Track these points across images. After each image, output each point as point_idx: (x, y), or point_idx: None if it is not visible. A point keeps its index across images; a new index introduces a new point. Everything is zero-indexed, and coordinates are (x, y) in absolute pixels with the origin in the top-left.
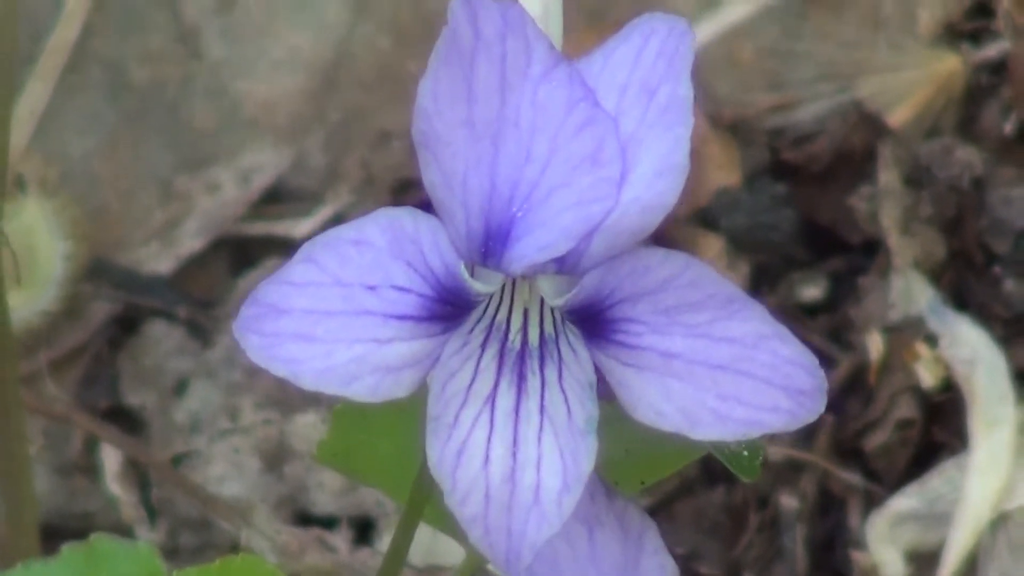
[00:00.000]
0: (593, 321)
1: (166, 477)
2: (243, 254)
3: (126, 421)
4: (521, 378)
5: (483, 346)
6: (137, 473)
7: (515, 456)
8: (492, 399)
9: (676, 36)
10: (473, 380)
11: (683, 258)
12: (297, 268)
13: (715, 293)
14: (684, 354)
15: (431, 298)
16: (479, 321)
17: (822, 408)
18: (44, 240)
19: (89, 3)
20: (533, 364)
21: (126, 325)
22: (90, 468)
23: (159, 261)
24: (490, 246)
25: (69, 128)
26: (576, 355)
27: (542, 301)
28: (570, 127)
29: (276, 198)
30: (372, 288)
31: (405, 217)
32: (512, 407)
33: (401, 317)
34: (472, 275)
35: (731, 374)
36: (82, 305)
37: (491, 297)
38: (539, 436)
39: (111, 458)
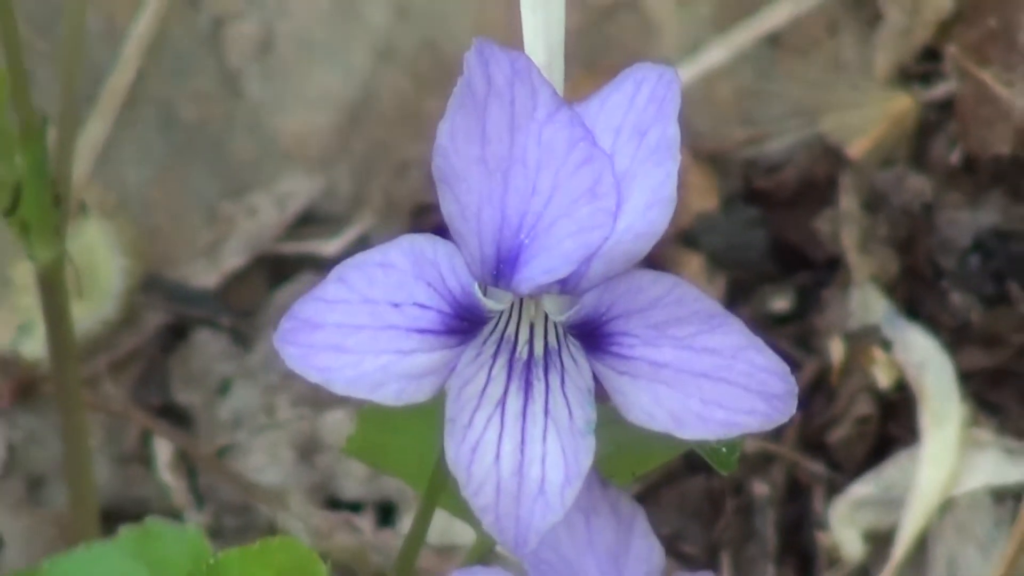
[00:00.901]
0: (592, 335)
1: (211, 467)
2: (279, 270)
3: (176, 417)
4: (528, 384)
5: (494, 356)
6: (186, 463)
7: (523, 453)
8: (502, 403)
9: (664, 83)
10: (485, 386)
11: (671, 279)
12: (330, 287)
13: (698, 309)
14: (672, 364)
15: (449, 314)
16: (491, 334)
17: (793, 410)
18: (103, 258)
19: (143, 50)
20: (538, 372)
21: (176, 333)
22: (144, 459)
23: (205, 276)
24: (501, 269)
25: (125, 159)
26: (576, 364)
27: (546, 317)
28: (571, 164)
29: (308, 221)
30: (396, 305)
31: (425, 243)
32: (520, 410)
33: (422, 331)
34: (485, 294)
35: (713, 381)
36: (137, 315)
37: (501, 313)
38: (544, 436)
39: (163, 450)
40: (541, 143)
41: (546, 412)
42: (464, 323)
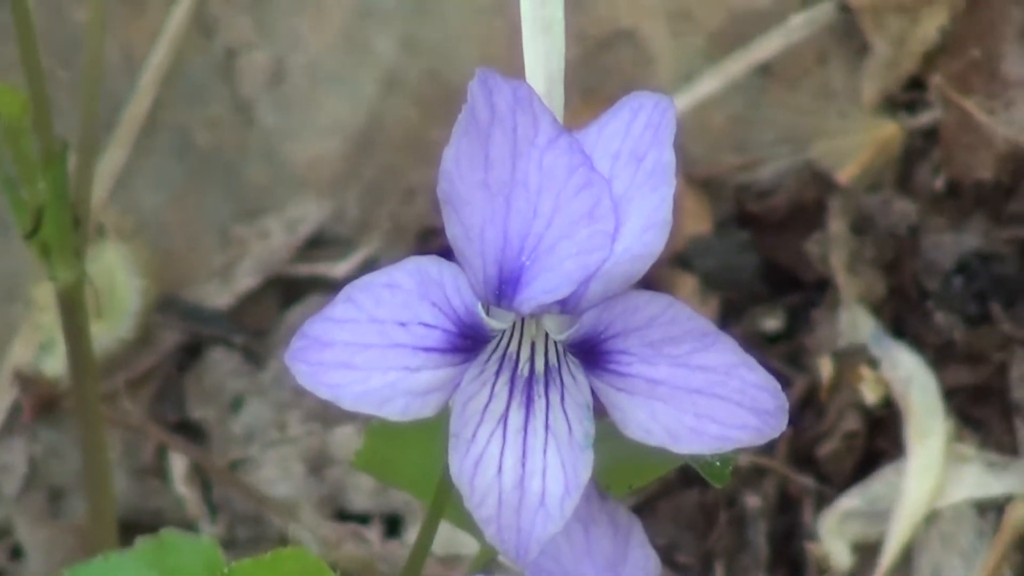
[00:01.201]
0: (590, 353)
1: (225, 480)
2: (290, 291)
3: (191, 432)
4: (529, 400)
5: (497, 374)
6: (200, 476)
7: (524, 466)
8: (504, 418)
9: (660, 110)
10: (488, 402)
11: (666, 299)
12: (339, 307)
13: (692, 328)
14: (667, 381)
15: (453, 333)
16: (493, 352)
17: (784, 426)
18: (121, 279)
19: (159, 79)
20: (539, 389)
21: (191, 351)
22: (160, 472)
23: (219, 297)
24: (503, 290)
25: (142, 184)
26: (576, 381)
27: (547, 336)
28: (571, 188)
29: (318, 244)
30: (403, 324)
31: (430, 264)
32: (521, 425)
33: (428, 349)
34: (488, 314)
35: (707, 397)
36: (153, 334)
37: (504, 332)
38: (544, 450)
39: (178, 463)
40: (542, 168)
41: (547, 427)
42: (468, 341)
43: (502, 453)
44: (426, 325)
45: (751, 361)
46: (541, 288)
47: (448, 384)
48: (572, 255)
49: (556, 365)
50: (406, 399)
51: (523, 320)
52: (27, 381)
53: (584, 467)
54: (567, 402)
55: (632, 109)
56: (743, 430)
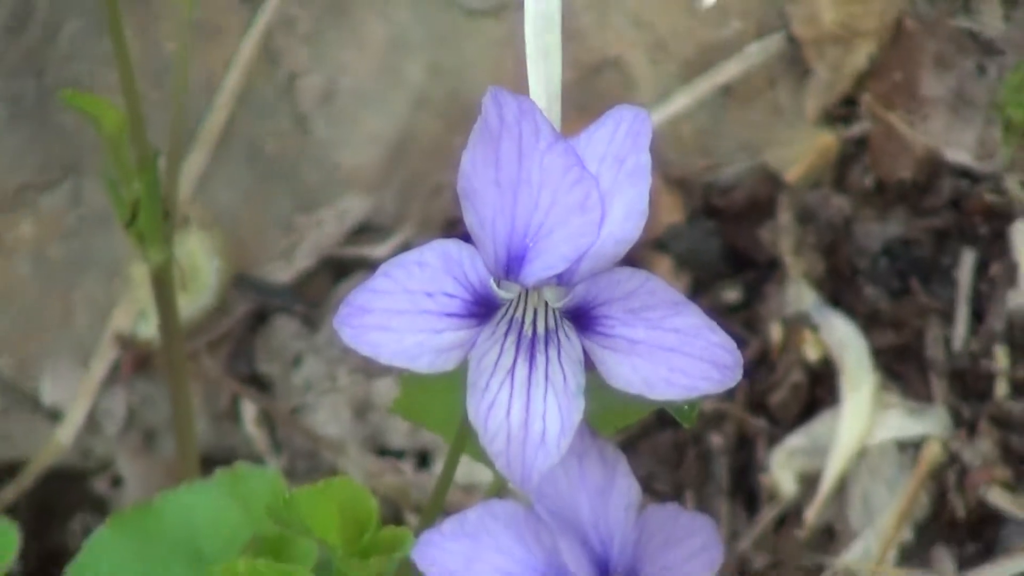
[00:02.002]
0: (582, 318)
1: (286, 422)
2: (339, 269)
3: (259, 384)
4: (532, 357)
5: (506, 335)
6: (266, 420)
7: (528, 410)
8: (512, 371)
9: (639, 121)
10: (499, 358)
11: (644, 274)
12: (378, 280)
13: (665, 298)
14: (645, 341)
15: (470, 302)
16: (503, 317)
17: (740, 377)
18: (202, 260)
19: (233, 98)
20: (540, 347)
21: (259, 318)
22: (234, 416)
23: (282, 274)
24: (511, 267)
25: (219, 184)
26: (570, 341)
27: (546, 304)
28: (566, 184)
29: (362, 231)
30: (430, 295)
31: (452, 245)
32: (526, 376)
33: (450, 315)
34: (498, 286)
35: (677, 354)
36: (228, 304)
37: (511, 301)
38: (545, 397)
39: (248, 409)
40: (543, 168)
41: (546, 378)
42: (482, 308)
43: (510, 399)
44: (448, 295)
45: (713, 325)
46: (541, 265)
47: (466, 343)
48: (567, 239)
49: (554, 328)
50: (432, 355)
51: (527, 291)
52: (126, 343)
53: (577, 411)
54: (563, 358)
55: (616, 120)
56: (707, 381)
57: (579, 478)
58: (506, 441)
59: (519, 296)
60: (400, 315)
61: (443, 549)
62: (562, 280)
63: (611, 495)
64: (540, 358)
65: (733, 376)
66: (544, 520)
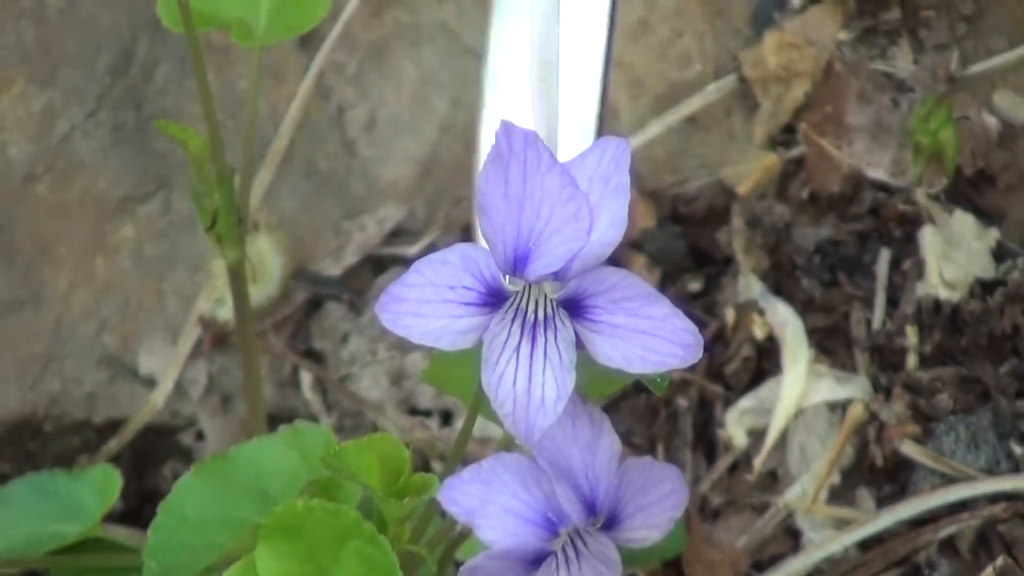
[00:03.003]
0: (574, 307)
1: (336, 389)
2: (379, 265)
3: (314, 357)
4: (534, 338)
5: (513, 320)
6: (320, 386)
7: (530, 381)
8: (517, 349)
9: (621, 148)
10: (507, 338)
11: (624, 272)
12: (410, 275)
13: (641, 291)
14: (624, 325)
15: (484, 293)
16: (511, 306)
17: (701, 354)
18: (268, 257)
19: (294, 126)
20: (540, 330)
21: (314, 304)
22: (295, 384)
23: (333, 269)
24: (517, 265)
25: (283, 195)
26: (564, 325)
27: (546, 295)
28: (562, 199)
29: (397, 234)
30: (452, 287)
31: (470, 248)
32: (529, 353)
33: (468, 304)
34: (507, 281)
35: (650, 336)
36: (289, 293)
37: (517, 293)
38: (544, 370)
39: (306, 378)
40: (543, 186)
41: (545, 355)
42: (494, 299)
43: (516, 372)
44: (467, 288)
45: (680, 312)
46: (542, 264)
47: (481, 327)
48: (562, 243)
49: (551, 315)
50: (453, 336)
51: (530, 285)
52: (207, 323)
53: (570, 382)
54: (559, 339)
55: (602, 147)
56: (674, 358)
57: (572, 435)
58: (512, 405)
59: (524, 289)
60: (428, 304)
61: (462, 491)
62: (558, 276)
63: (598, 448)
64: (540, 339)
65: (695, 354)
66: (544, 469)
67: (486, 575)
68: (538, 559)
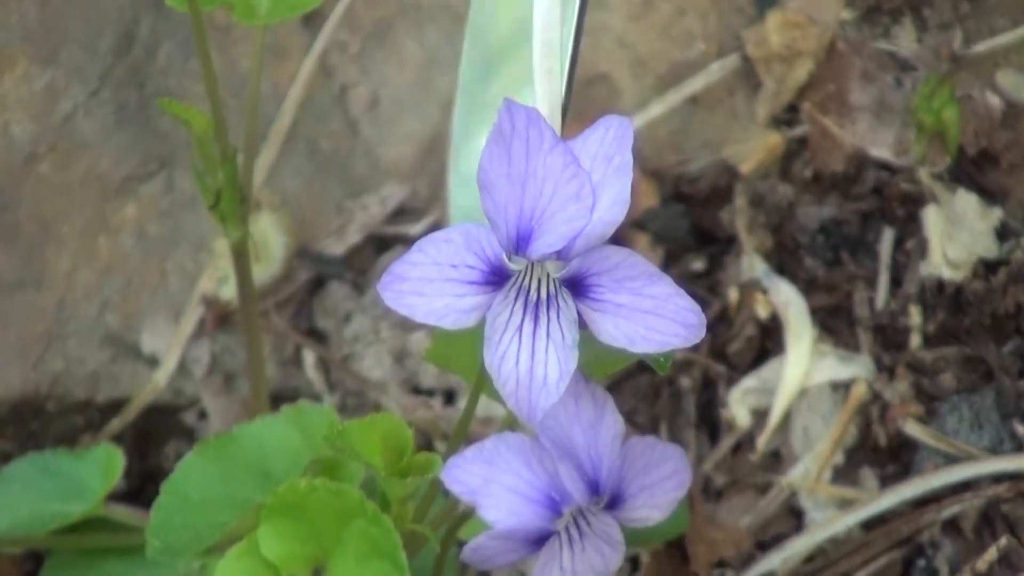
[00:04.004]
0: (577, 286)
1: (339, 368)
2: (382, 244)
3: (317, 336)
4: (536, 317)
5: (515, 299)
6: (323, 365)
7: (533, 360)
8: (520, 328)
9: (623, 127)
10: (510, 317)
11: (626, 251)
12: (413, 254)
13: (644, 270)
14: (627, 305)
15: (487, 272)
16: (513, 284)
17: (703, 333)
18: (271, 236)
19: (296, 105)
20: (543, 309)
21: (317, 283)
22: (297, 363)
23: (336, 248)
24: (519, 244)
25: (286, 174)
26: (567, 304)
27: (548, 274)
28: (564, 178)
29: (400, 213)
30: (455, 266)
31: (472, 227)
32: (532, 333)
33: (471, 283)
34: (509, 260)
35: (653, 316)
36: (292, 272)
37: (520, 272)
38: (547, 349)
39: (309, 357)
40: (546, 165)
41: (548, 334)
42: (496, 277)
43: (519, 351)
44: (469, 267)
45: (682, 292)
46: (544, 243)
47: (483, 306)
48: (565, 222)
49: (554, 293)
50: (456, 315)
51: (533, 264)
52: (210, 303)
53: (572, 361)
54: (562, 318)
55: (605, 126)
56: (676, 337)
57: (575, 414)
58: (515, 385)
59: (526, 268)
60: (431, 283)
61: (465, 471)
62: (561, 255)
63: (601, 428)
64: (543, 318)
65: (697, 333)
66: (547, 448)
67: (489, 554)
68: (541, 538)
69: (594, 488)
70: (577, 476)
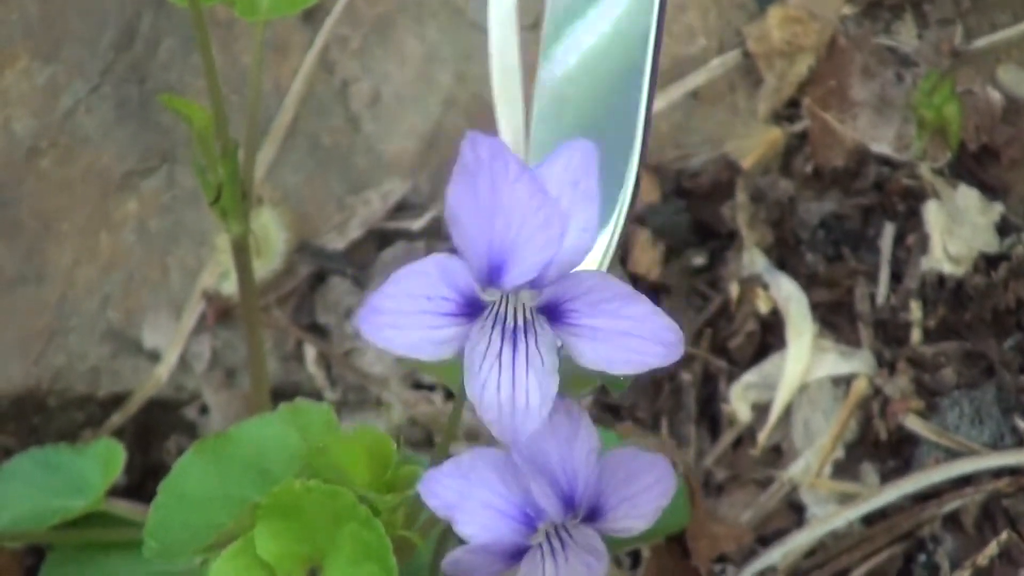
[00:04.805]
0: (553, 312)
1: (340, 363)
2: (383, 239)
3: (318, 331)
4: (515, 344)
5: (492, 327)
6: (324, 361)
7: (514, 387)
8: (499, 356)
9: (588, 152)
10: (488, 346)
11: (600, 273)
12: (389, 287)
13: (619, 292)
14: (604, 327)
15: (462, 303)
16: (490, 314)
17: (681, 352)
18: (272, 231)
19: (298, 100)
20: (521, 336)
21: (318, 278)
22: (298, 358)
23: (337, 243)
24: (491, 277)
25: (287, 170)
26: (544, 330)
27: (524, 303)
28: (532, 207)
29: (401, 208)
30: (429, 298)
31: (446, 259)
32: (511, 360)
33: (445, 314)
34: (483, 291)
35: (630, 336)
36: (293, 267)
37: (495, 302)
38: (527, 375)
39: (310, 352)
40: (513, 195)
41: (527, 361)
42: (472, 309)
43: (499, 379)
44: (444, 299)
45: (659, 311)
46: (517, 274)
47: (461, 336)
48: (535, 252)
49: (531, 320)
50: (433, 347)
51: (507, 294)
52: (211, 297)
53: (553, 385)
54: (539, 344)
55: (569, 152)
56: (655, 356)
57: (549, 430)
58: (498, 411)
59: (501, 297)
60: (406, 315)
61: (442, 485)
62: (534, 284)
63: (576, 443)
64: (521, 345)
65: (676, 352)
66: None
67: (468, 568)
68: (519, 553)
69: (569, 503)
70: (551, 492)
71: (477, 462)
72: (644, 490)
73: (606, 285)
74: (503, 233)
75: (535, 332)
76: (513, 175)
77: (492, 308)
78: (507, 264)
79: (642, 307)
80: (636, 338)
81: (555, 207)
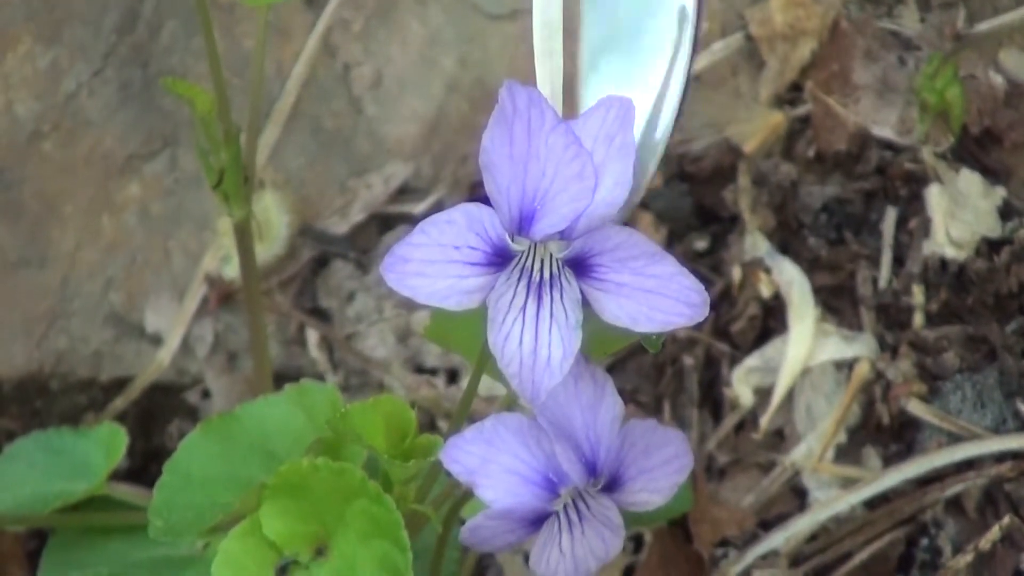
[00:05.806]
0: (579, 266)
1: (343, 347)
2: (386, 223)
3: (320, 315)
4: (540, 297)
5: (519, 279)
6: (327, 344)
7: (536, 340)
8: (523, 309)
9: (625, 107)
10: (513, 298)
11: (628, 230)
12: (415, 235)
13: (646, 250)
14: (630, 284)
15: (489, 253)
16: (516, 265)
17: (707, 312)
18: (274, 214)
19: (300, 84)
20: (547, 289)
21: (320, 262)
22: (301, 342)
23: (339, 226)
24: (522, 225)
25: (289, 153)
26: (570, 284)
27: (551, 255)
28: (566, 158)
29: (404, 192)
30: (457, 247)
31: (475, 208)
32: (535, 313)
33: (473, 264)
34: (512, 240)
35: (656, 295)
36: (296, 251)
37: (523, 252)
38: (550, 329)
39: (312, 336)
40: (547, 145)
41: (551, 315)
42: (499, 258)
43: (522, 332)
44: (472, 248)
45: (685, 271)
46: (547, 224)
47: (486, 287)
48: (567, 202)
49: (557, 274)
50: (459, 296)
51: (535, 244)
52: (213, 281)
53: (576, 341)
54: (565, 298)
55: (606, 107)
56: (680, 316)
57: (574, 395)
58: (519, 365)
59: (529, 248)
60: (433, 264)
61: (464, 451)
62: (564, 235)
63: (600, 409)
64: (546, 298)
65: (701, 312)
66: (545, 429)
67: (487, 535)
68: (539, 519)
69: (592, 469)
70: (575, 457)
71: (500, 427)
72: (662, 463)
73: (634, 241)
74: (536, 181)
75: (560, 287)
76: (549, 125)
77: (519, 259)
78: (538, 213)
79: (669, 266)
80: (661, 296)
81: (589, 159)
